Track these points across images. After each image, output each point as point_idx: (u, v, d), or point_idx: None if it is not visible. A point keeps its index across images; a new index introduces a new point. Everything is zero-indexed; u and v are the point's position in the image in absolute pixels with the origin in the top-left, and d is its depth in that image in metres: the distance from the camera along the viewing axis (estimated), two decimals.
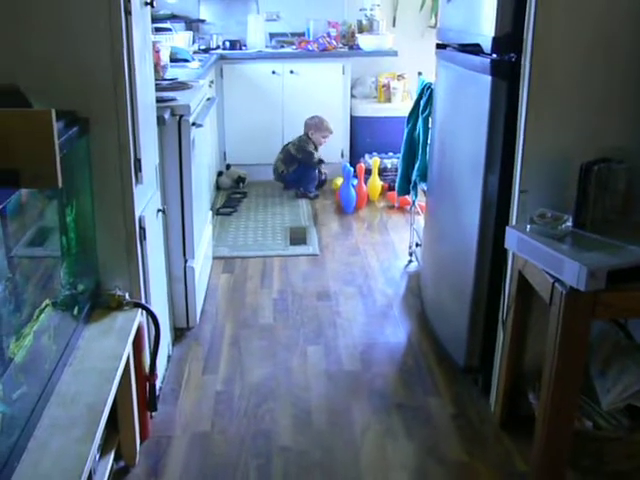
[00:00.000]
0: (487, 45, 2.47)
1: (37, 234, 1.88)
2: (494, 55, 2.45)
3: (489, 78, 2.46)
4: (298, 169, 5.53)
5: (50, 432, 1.75)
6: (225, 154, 5.92)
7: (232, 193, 5.62)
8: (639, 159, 2.30)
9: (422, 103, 3.65)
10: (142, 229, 2.44)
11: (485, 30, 2.49)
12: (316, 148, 5.61)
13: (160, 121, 2.82)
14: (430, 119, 3.48)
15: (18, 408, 1.66)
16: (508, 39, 2.38)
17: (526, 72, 2.29)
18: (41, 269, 1.88)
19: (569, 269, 2.00)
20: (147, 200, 2.58)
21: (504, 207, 2.50)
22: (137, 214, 2.38)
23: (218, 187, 5.70)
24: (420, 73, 4.05)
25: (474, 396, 2.82)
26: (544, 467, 2.23)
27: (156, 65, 3.49)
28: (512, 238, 2.27)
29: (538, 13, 2.20)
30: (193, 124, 3.11)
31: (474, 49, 2.61)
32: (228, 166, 5.88)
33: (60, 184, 1.60)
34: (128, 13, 2.21)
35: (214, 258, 4.19)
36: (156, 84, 2.81)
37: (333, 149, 5.93)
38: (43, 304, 1.84)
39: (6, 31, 2.14)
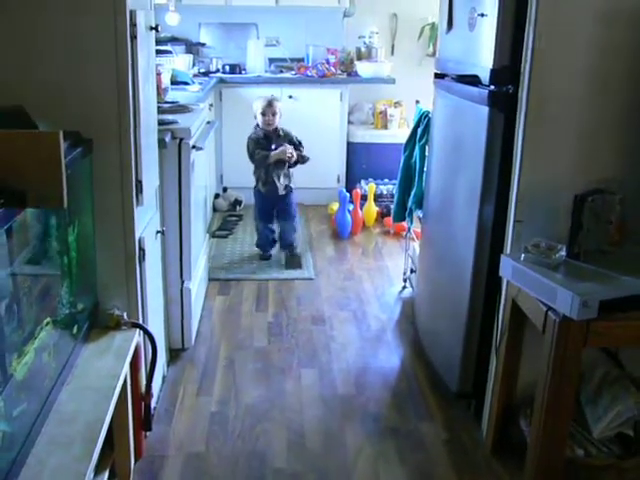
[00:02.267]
0: (485, 76, 2.53)
1: (39, 253, 1.91)
2: (492, 86, 2.50)
3: (486, 109, 2.51)
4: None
5: (49, 449, 1.76)
6: (222, 177, 5.96)
7: (228, 216, 5.66)
8: (632, 191, 2.35)
9: (419, 131, 3.69)
10: (142, 250, 2.46)
11: (483, 62, 2.54)
12: (268, 139, 4.63)
13: (161, 144, 2.85)
14: (427, 147, 3.53)
15: (18, 425, 1.67)
16: (506, 71, 2.43)
17: (523, 104, 2.34)
18: (43, 287, 1.90)
19: (562, 298, 2.03)
20: (147, 221, 2.61)
21: (499, 236, 2.53)
22: (137, 235, 2.41)
23: (214, 209, 5.73)
24: (418, 101, 4.10)
25: (466, 422, 2.84)
26: None
27: (157, 88, 3.53)
28: (507, 267, 2.30)
29: (535, 46, 2.26)
30: (193, 147, 3.15)
31: (472, 80, 2.67)
32: (225, 189, 5.92)
33: (65, 204, 1.64)
34: (133, 37, 2.25)
35: (210, 280, 4.21)
36: (157, 107, 2.85)
37: (329, 174, 5.98)
38: (44, 322, 1.86)
39: (13, 53, 2.17)
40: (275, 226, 4.76)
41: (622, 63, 2.30)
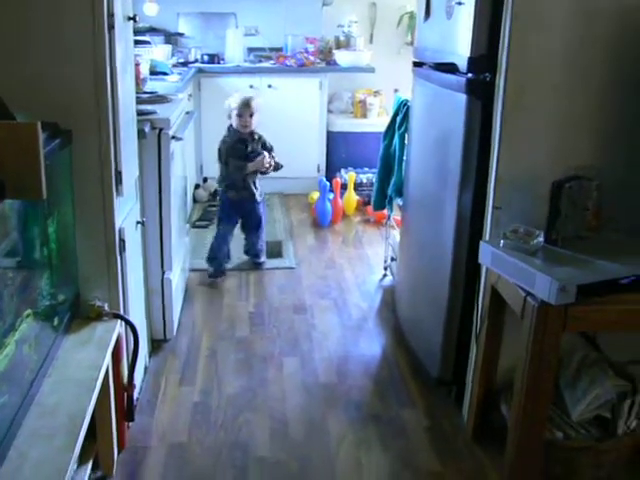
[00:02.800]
0: (463, 65, 2.54)
1: (19, 244, 1.90)
2: (469, 74, 2.51)
3: (464, 97, 2.52)
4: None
5: (30, 442, 1.76)
6: (202, 167, 5.94)
7: (208, 206, 5.64)
8: (609, 177, 2.37)
9: (398, 120, 3.70)
10: (122, 241, 2.46)
11: (461, 50, 2.55)
12: (243, 143, 4.21)
13: (140, 134, 2.84)
14: (406, 135, 3.54)
15: None
16: (483, 59, 2.44)
17: (500, 91, 2.35)
18: (23, 279, 1.90)
19: (540, 283, 2.05)
20: (127, 212, 2.61)
21: (478, 223, 2.55)
22: (117, 226, 2.41)
23: (195, 200, 5.72)
24: (397, 90, 4.12)
25: (447, 408, 2.87)
26: (516, 477, 2.28)
27: (136, 78, 3.51)
28: (486, 253, 2.32)
29: (512, 34, 2.27)
30: (172, 137, 3.15)
31: (450, 68, 2.68)
32: (205, 179, 5.91)
33: (45, 195, 1.63)
34: (111, 27, 2.24)
35: (191, 270, 4.20)
36: (136, 97, 2.83)
37: (309, 163, 5.98)
38: (24, 314, 1.85)
39: None
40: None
41: (599, 51, 2.31)
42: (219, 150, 4.23)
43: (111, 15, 2.23)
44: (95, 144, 2.28)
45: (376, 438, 2.67)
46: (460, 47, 2.57)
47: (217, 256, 4.22)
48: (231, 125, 4.22)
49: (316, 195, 5.41)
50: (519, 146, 2.38)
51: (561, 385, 2.41)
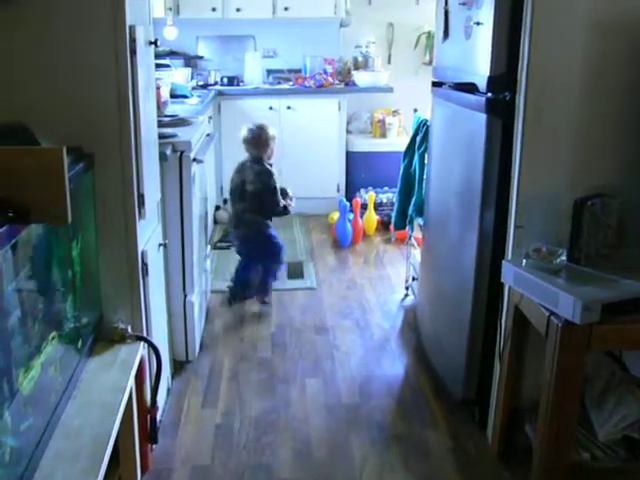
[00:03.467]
0: (482, 84, 2.54)
1: (44, 267, 1.92)
2: (489, 94, 2.51)
3: (484, 116, 2.52)
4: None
5: (55, 464, 1.77)
6: (222, 188, 5.97)
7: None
8: (631, 194, 2.36)
9: (418, 139, 3.71)
10: (144, 264, 2.47)
11: (480, 69, 2.56)
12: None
13: (162, 157, 2.87)
14: (426, 155, 3.55)
15: (25, 440, 1.68)
16: (503, 78, 2.44)
17: (520, 110, 2.35)
18: (47, 302, 1.91)
19: (564, 302, 2.04)
20: (149, 235, 2.63)
21: (500, 242, 2.54)
22: (140, 249, 2.43)
23: (216, 221, 5.74)
24: (416, 110, 4.12)
25: (471, 428, 2.84)
26: None
27: (157, 101, 3.55)
28: (509, 272, 2.31)
29: (532, 53, 2.28)
30: (194, 160, 3.17)
31: (469, 88, 2.68)
32: (225, 200, 5.93)
33: (70, 220, 1.65)
34: (133, 52, 2.27)
35: (212, 292, 4.22)
36: (157, 120, 2.86)
37: (329, 184, 6.00)
38: (50, 336, 1.87)
39: (15, 70, 2.19)
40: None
41: (618, 69, 2.31)
42: (272, 183, 4.00)
43: (133, 40, 2.26)
44: (118, 167, 2.30)
45: (399, 459, 2.65)
46: (479, 67, 2.57)
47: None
48: (269, 157, 4.08)
49: (336, 215, 5.41)
50: (540, 164, 2.37)
51: (587, 405, 2.39)
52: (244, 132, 4.07)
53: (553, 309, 2.10)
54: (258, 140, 4.00)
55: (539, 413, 2.22)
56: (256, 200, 3.97)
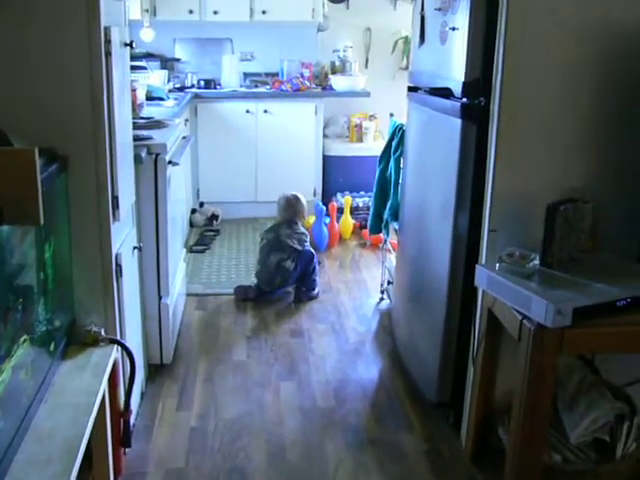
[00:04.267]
0: (457, 89, 2.56)
1: (15, 270, 1.90)
2: (464, 99, 2.53)
3: (459, 121, 2.54)
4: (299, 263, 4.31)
5: (26, 468, 1.75)
6: (198, 192, 5.96)
7: (205, 231, 5.65)
8: (604, 198, 2.39)
9: (394, 144, 3.73)
10: (118, 266, 2.46)
11: (455, 75, 2.57)
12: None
13: (137, 159, 2.85)
14: (402, 159, 3.56)
15: None
16: (477, 84, 2.46)
17: (495, 115, 2.37)
18: (19, 304, 1.89)
19: (536, 306, 2.06)
20: (123, 237, 2.61)
21: (474, 246, 2.56)
22: (114, 251, 2.41)
23: (191, 225, 5.73)
24: (392, 114, 4.15)
25: (445, 431, 2.86)
26: None
27: (133, 103, 3.54)
28: (482, 276, 2.33)
29: (506, 59, 2.29)
30: (169, 162, 3.15)
31: (444, 93, 2.70)
32: (201, 204, 5.92)
33: (42, 221, 1.64)
34: (108, 54, 2.26)
35: (187, 295, 4.20)
36: (133, 122, 2.85)
37: (305, 187, 5.98)
38: (21, 339, 1.85)
39: None
40: None
41: (592, 75, 2.34)
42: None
43: (108, 41, 2.25)
44: (92, 169, 2.29)
45: (374, 462, 2.65)
46: (455, 72, 2.59)
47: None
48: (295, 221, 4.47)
49: (312, 219, 5.42)
50: (514, 169, 2.39)
51: (559, 408, 2.41)
52: (281, 201, 4.52)
53: (526, 313, 2.11)
54: (295, 208, 4.48)
55: (511, 416, 2.24)
56: (295, 255, 4.28)
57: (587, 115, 2.38)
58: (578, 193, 2.35)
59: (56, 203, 2.18)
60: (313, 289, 4.33)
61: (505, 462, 2.30)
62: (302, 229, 4.46)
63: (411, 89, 3.29)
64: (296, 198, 4.52)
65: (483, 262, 2.48)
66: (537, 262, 2.27)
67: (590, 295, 2.10)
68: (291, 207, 4.47)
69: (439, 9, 2.77)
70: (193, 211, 5.80)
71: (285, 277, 4.24)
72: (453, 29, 2.59)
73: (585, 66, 2.33)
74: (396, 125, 3.76)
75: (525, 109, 2.34)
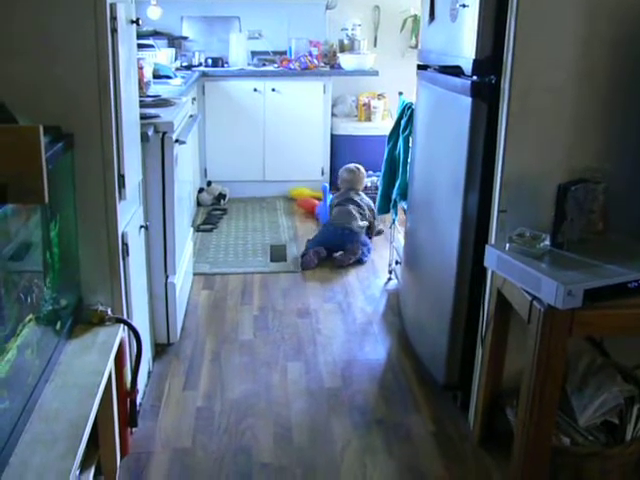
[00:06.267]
0: (468, 67, 2.52)
1: (21, 248, 1.89)
2: (474, 77, 2.49)
3: (469, 99, 2.50)
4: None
5: (32, 448, 1.75)
6: (206, 171, 5.94)
7: (212, 210, 5.64)
8: (616, 180, 2.35)
9: (403, 123, 3.69)
10: (125, 245, 2.44)
11: (466, 52, 2.53)
12: None
13: (144, 137, 2.83)
14: (411, 138, 3.53)
15: (0, 423, 1.66)
16: (488, 61, 2.42)
17: (505, 94, 2.33)
18: (25, 283, 1.88)
19: (547, 287, 2.03)
20: (130, 216, 2.60)
21: (483, 226, 2.53)
22: (120, 230, 2.39)
23: (199, 204, 5.71)
24: (401, 93, 4.10)
25: (453, 413, 2.84)
26: None
27: (139, 82, 3.51)
28: (492, 257, 2.30)
29: (517, 36, 2.25)
30: (176, 141, 3.13)
31: (455, 71, 2.66)
32: (209, 183, 5.90)
33: (47, 200, 1.62)
34: (114, 31, 2.23)
35: (194, 274, 4.19)
36: (139, 101, 2.82)
37: (313, 167, 5.98)
38: (27, 319, 1.84)
39: None
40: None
41: (605, 53, 2.29)
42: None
43: (114, 18, 2.23)
44: (98, 147, 2.27)
45: (381, 443, 2.65)
46: (465, 50, 2.55)
47: None
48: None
49: (302, 191, 5.50)
50: (525, 149, 2.36)
51: (568, 390, 2.39)
52: (344, 172, 5.06)
53: (536, 294, 2.09)
54: (358, 177, 5.04)
55: (520, 398, 2.22)
56: (363, 212, 4.82)
57: (600, 94, 2.33)
58: (589, 173, 2.32)
59: (62, 182, 2.16)
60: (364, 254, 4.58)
61: (513, 444, 2.29)
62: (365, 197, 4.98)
63: (420, 67, 3.25)
64: (357, 168, 5.05)
65: (492, 242, 2.45)
66: (547, 243, 2.25)
67: (601, 276, 2.07)
68: (353, 178, 4.99)
69: None
70: (200, 190, 5.78)
71: (356, 222, 4.65)
72: (464, 6, 2.55)
73: (599, 43, 2.28)
74: (405, 104, 3.72)
75: (536, 87, 2.30)
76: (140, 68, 3.68)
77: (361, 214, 4.77)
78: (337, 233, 4.61)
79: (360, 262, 4.52)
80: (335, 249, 4.57)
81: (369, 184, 5.63)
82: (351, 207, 4.75)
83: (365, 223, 4.77)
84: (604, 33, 2.27)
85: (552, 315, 2.03)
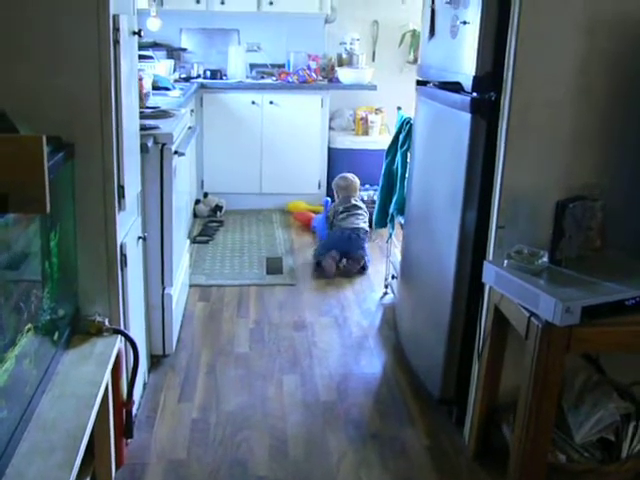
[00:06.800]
0: (467, 83, 2.54)
1: (20, 258, 1.89)
2: (474, 93, 2.51)
3: (469, 116, 2.52)
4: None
5: (29, 458, 1.74)
6: (203, 182, 5.94)
7: (209, 221, 5.64)
8: (613, 196, 2.37)
9: (401, 137, 3.70)
10: (123, 256, 2.45)
11: (466, 69, 2.55)
12: None
13: (143, 149, 2.83)
14: (409, 153, 3.54)
15: None
16: (488, 78, 2.44)
17: (505, 110, 2.35)
18: (23, 293, 1.88)
19: (545, 304, 2.04)
20: (129, 227, 2.60)
21: (481, 242, 2.54)
22: (119, 241, 2.40)
23: (195, 215, 5.71)
24: (399, 108, 4.11)
25: (448, 427, 2.84)
26: None
27: (139, 93, 3.51)
28: (490, 273, 2.31)
29: (518, 54, 2.27)
30: (175, 152, 3.14)
31: (454, 87, 2.68)
32: (205, 194, 5.90)
33: (48, 209, 1.62)
34: (116, 42, 2.24)
35: (190, 286, 4.19)
36: (139, 112, 2.83)
37: (310, 180, 5.99)
38: (25, 328, 1.84)
39: None
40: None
41: (604, 69, 2.31)
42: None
43: (116, 29, 2.23)
44: (98, 158, 2.27)
45: (376, 457, 2.64)
46: (465, 66, 2.57)
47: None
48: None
49: (298, 205, 5.65)
50: (523, 165, 2.37)
51: (564, 407, 2.39)
52: (340, 181, 5.14)
53: (534, 310, 2.10)
54: (354, 186, 5.13)
55: (517, 414, 2.23)
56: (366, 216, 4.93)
57: (599, 109, 2.35)
58: (587, 190, 2.33)
59: (62, 191, 2.16)
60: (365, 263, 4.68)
61: (508, 460, 2.29)
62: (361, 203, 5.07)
63: (420, 83, 3.26)
64: (352, 176, 5.16)
65: (490, 259, 2.46)
66: (546, 259, 2.26)
67: (599, 294, 2.08)
68: (350, 185, 5.09)
69: (450, 2, 2.74)
70: (197, 202, 5.78)
71: (364, 225, 4.79)
72: (464, 23, 2.57)
73: (597, 59, 2.30)
74: (404, 119, 3.74)
75: (536, 103, 2.32)
76: (140, 79, 3.69)
77: (364, 220, 4.85)
78: (346, 237, 4.68)
79: (364, 269, 4.62)
80: (343, 253, 4.63)
81: (365, 197, 5.64)
82: (357, 215, 4.84)
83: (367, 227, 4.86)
84: (603, 49, 2.29)
85: (550, 331, 2.04)
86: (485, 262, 2.36)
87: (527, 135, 2.35)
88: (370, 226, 4.84)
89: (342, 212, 4.89)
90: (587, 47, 2.29)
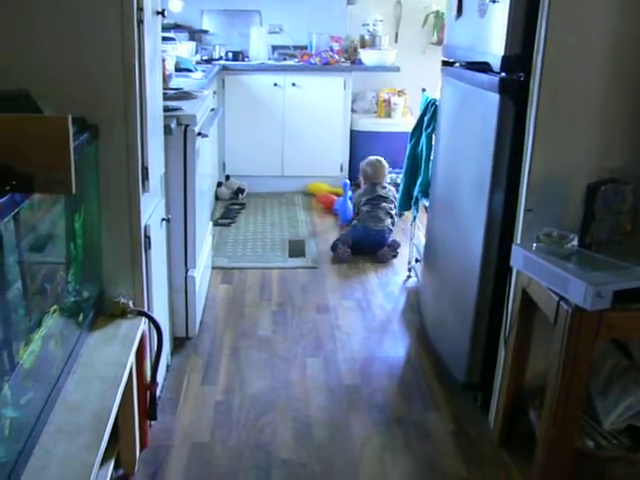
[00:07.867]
0: (496, 64, 2.49)
1: (46, 239, 1.88)
2: (503, 74, 2.46)
3: (497, 96, 2.47)
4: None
5: (55, 439, 1.74)
6: (225, 165, 5.93)
7: (231, 204, 5.63)
8: None
9: (426, 119, 3.66)
10: (147, 238, 2.43)
11: (494, 49, 2.50)
12: None
13: (166, 130, 2.82)
14: (434, 135, 3.50)
15: (25, 414, 1.65)
16: (517, 58, 2.39)
17: (534, 92, 2.30)
18: (49, 274, 1.88)
19: (575, 288, 2.01)
20: (152, 208, 2.59)
21: (509, 225, 2.50)
22: (143, 222, 2.38)
23: (217, 198, 5.70)
24: (424, 89, 4.06)
25: (473, 412, 2.82)
26: None
27: (163, 74, 3.49)
28: (518, 256, 2.28)
29: (548, 34, 2.22)
30: (199, 134, 3.12)
31: (482, 67, 2.63)
32: (227, 177, 5.89)
33: (74, 191, 1.61)
34: (140, 22, 2.22)
35: (213, 268, 4.18)
36: (162, 93, 2.81)
37: (332, 162, 5.95)
38: (51, 309, 1.83)
39: (16, 37, 2.14)
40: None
41: (636, 52, 2.26)
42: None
43: (140, 9, 2.21)
44: (122, 139, 2.25)
45: (400, 441, 2.63)
46: (493, 46, 2.52)
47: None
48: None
49: (320, 186, 5.66)
50: (553, 147, 2.33)
51: (592, 393, 2.36)
52: (367, 168, 4.96)
53: (563, 294, 2.06)
54: (381, 174, 4.96)
55: (545, 400, 2.20)
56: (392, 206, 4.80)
57: (632, 93, 2.30)
58: (618, 174, 2.29)
59: (86, 173, 2.15)
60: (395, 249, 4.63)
61: (534, 446, 2.27)
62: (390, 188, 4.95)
63: (445, 63, 3.22)
64: (379, 161, 4.97)
65: (518, 242, 2.42)
66: (575, 243, 2.22)
67: (630, 278, 2.04)
68: (377, 172, 4.93)
69: None
70: (219, 184, 5.77)
71: (387, 224, 4.69)
72: (494, 1, 2.52)
73: (629, 41, 2.25)
74: (428, 100, 3.69)
75: (566, 85, 2.27)
76: (163, 60, 3.67)
77: (391, 209, 4.76)
78: (371, 237, 4.61)
79: (395, 256, 4.59)
80: (365, 250, 4.56)
81: (388, 180, 5.61)
82: (381, 210, 4.73)
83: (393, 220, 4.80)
84: (636, 31, 2.24)
85: (580, 316, 2.01)
86: (514, 245, 2.32)
87: (557, 117, 2.30)
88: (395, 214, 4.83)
89: (365, 204, 4.80)
90: (619, 28, 2.24)
